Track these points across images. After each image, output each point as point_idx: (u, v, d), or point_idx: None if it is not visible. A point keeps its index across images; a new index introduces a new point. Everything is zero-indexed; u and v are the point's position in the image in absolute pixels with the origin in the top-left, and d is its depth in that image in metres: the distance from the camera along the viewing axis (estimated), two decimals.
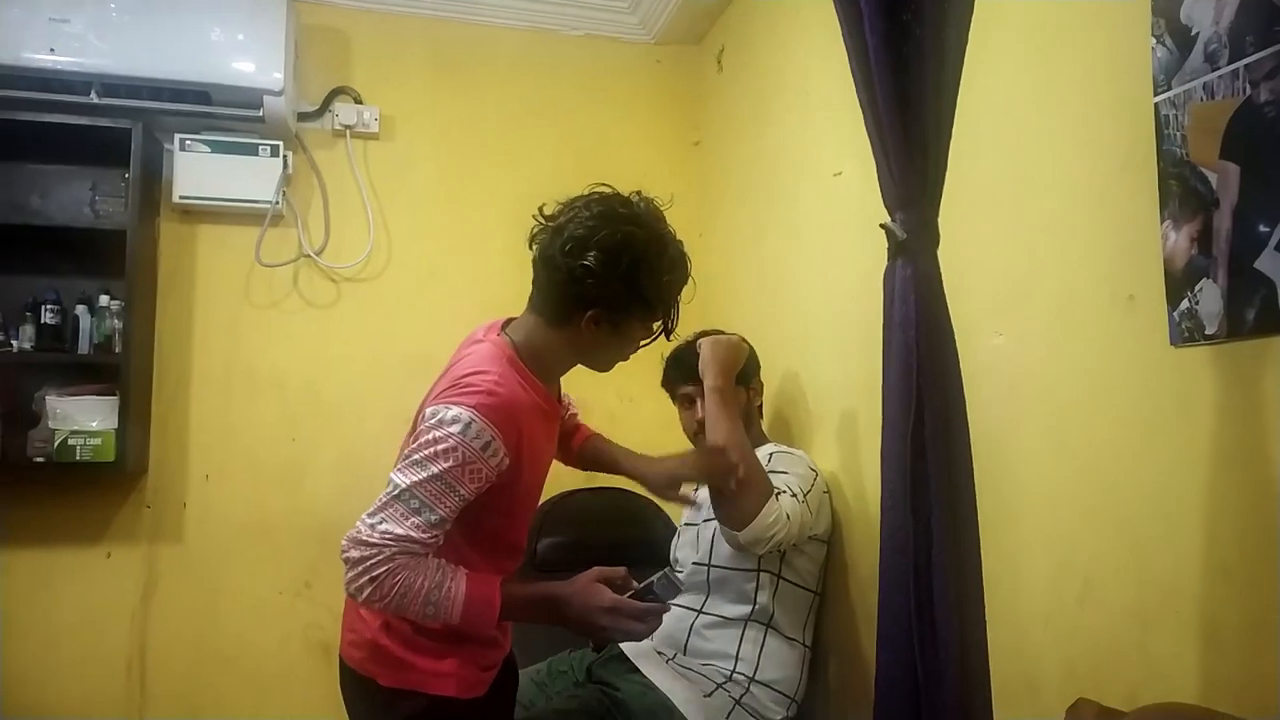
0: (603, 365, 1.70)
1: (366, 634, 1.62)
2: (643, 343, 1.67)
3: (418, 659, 1.57)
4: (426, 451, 1.45)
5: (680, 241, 1.62)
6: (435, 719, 1.57)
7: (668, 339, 1.67)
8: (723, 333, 2.29)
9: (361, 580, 1.42)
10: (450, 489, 1.45)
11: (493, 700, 1.65)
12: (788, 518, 1.89)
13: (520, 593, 1.56)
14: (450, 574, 1.47)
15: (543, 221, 1.59)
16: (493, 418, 1.47)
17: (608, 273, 1.51)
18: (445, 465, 1.44)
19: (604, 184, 1.61)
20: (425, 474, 1.44)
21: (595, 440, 1.98)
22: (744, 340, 2.18)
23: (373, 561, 1.41)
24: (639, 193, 1.61)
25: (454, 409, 1.46)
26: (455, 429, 1.45)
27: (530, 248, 1.61)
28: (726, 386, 2.03)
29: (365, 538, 1.42)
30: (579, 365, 1.69)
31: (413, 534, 1.43)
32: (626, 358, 1.70)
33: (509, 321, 1.66)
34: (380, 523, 1.43)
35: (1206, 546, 1.23)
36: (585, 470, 2.00)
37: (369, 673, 1.61)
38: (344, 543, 1.45)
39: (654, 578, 1.57)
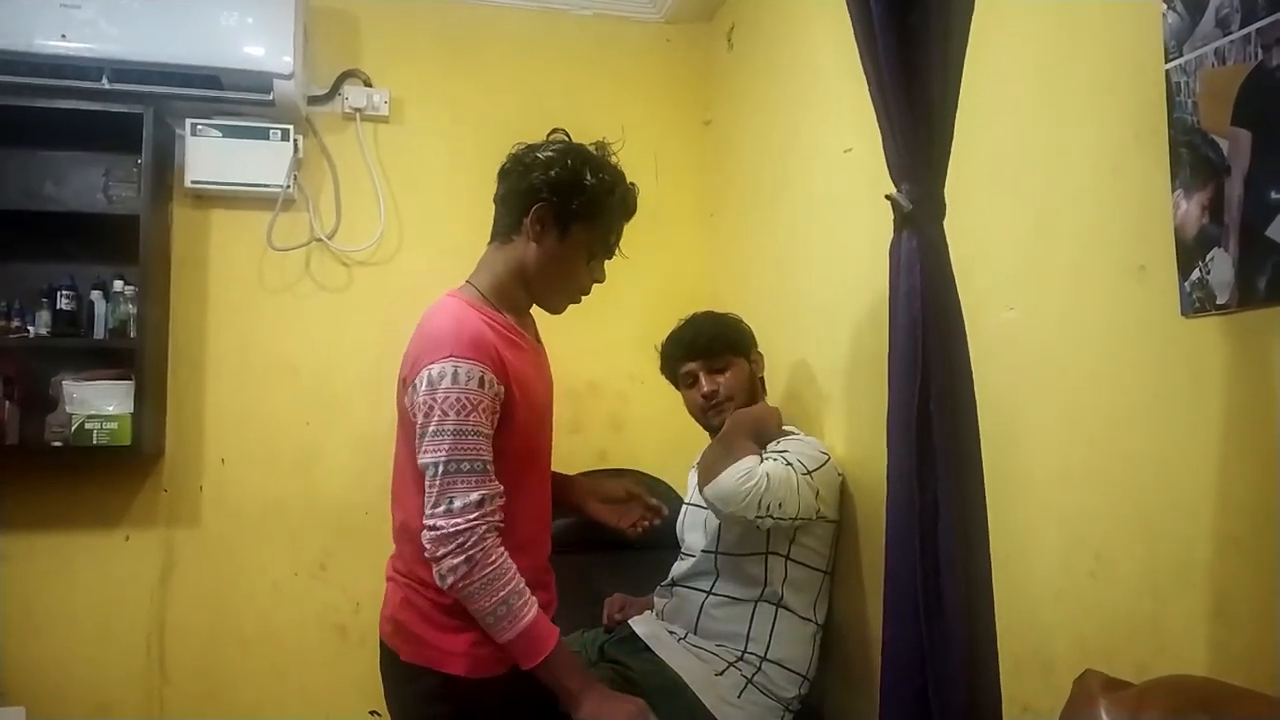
0: (551, 292, 1.74)
1: (390, 607, 1.68)
2: (589, 269, 1.73)
3: (431, 635, 1.61)
4: (436, 418, 1.51)
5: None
6: (447, 696, 1.59)
7: (609, 255, 1.75)
8: (715, 312, 2.34)
9: (458, 560, 1.49)
10: (475, 433, 1.52)
11: (513, 680, 1.62)
12: (767, 477, 1.87)
13: (572, 654, 1.66)
14: (530, 594, 1.55)
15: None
16: (471, 354, 1.53)
17: (556, 161, 1.65)
18: (458, 417, 1.50)
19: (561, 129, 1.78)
20: (449, 437, 1.50)
21: None
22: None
23: (469, 541, 1.49)
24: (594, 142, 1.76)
25: (435, 367, 1.52)
26: (446, 382, 1.51)
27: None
28: (740, 435, 2.03)
29: (449, 528, 1.49)
30: (544, 311, 1.79)
31: (484, 491, 1.51)
32: (576, 295, 1.76)
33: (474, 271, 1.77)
34: (450, 504, 1.50)
35: (1218, 518, 1.22)
36: None
37: (393, 646, 1.66)
38: (428, 547, 1.51)
39: None
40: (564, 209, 1.65)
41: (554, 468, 1.88)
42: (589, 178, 1.66)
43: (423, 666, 1.61)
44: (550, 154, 1.68)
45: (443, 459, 1.50)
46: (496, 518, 1.54)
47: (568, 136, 1.75)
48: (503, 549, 1.53)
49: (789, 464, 1.94)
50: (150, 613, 2.77)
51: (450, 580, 1.50)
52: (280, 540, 2.87)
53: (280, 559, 2.86)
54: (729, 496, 1.87)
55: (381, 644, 1.70)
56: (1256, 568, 1.16)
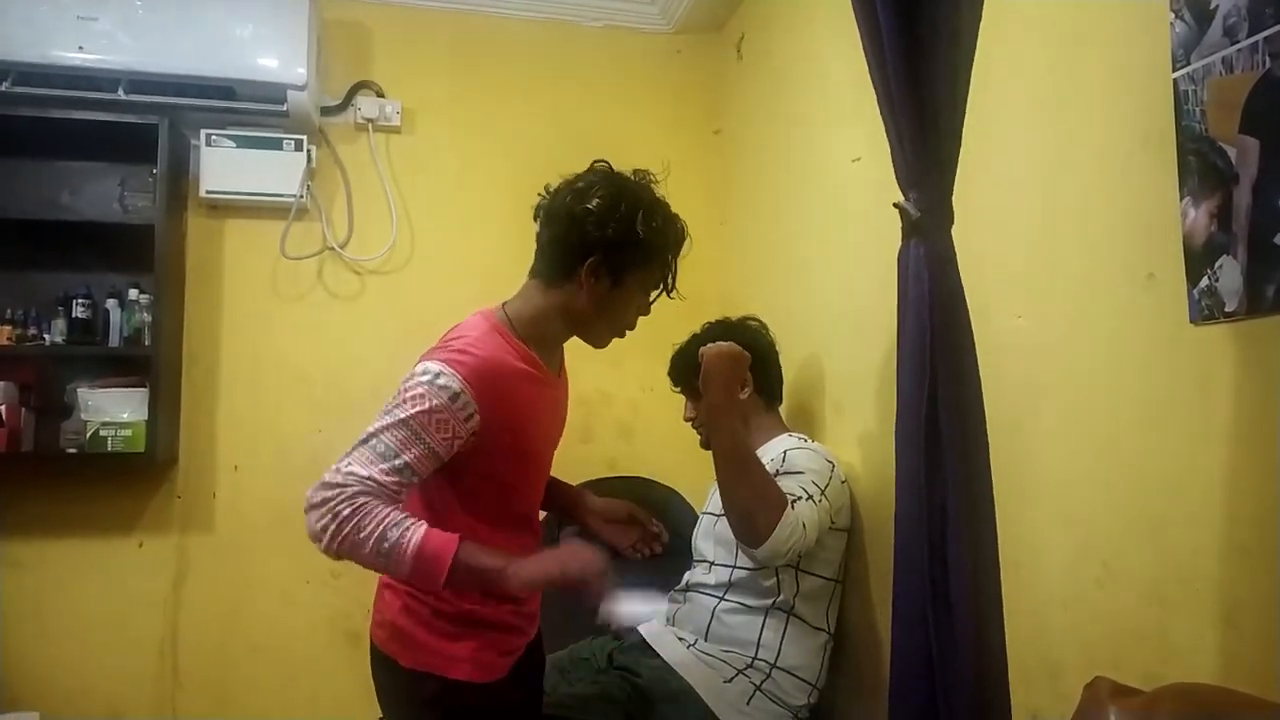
0: (598, 331, 1.71)
1: (388, 614, 1.66)
2: (638, 306, 1.70)
3: (434, 641, 1.61)
4: (396, 401, 1.49)
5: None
6: (451, 702, 1.60)
7: (668, 295, 1.71)
8: (729, 320, 2.31)
9: (325, 518, 1.39)
10: (416, 436, 1.46)
11: (513, 684, 1.67)
12: (804, 527, 1.86)
13: (476, 545, 1.49)
14: (411, 525, 1.43)
15: (547, 195, 1.69)
16: (464, 373, 1.50)
17: (609, 214, 1.59)
18: (411, 411, 1.47)
19: (603, 160, 1.71)
20: (392, 420, 1.47)
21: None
22: (744, 348, 2.05)
23: (337, 500, 1.40)
24: (635, 170, 1.70)
25: (427, 364, 1.52)
26: (425, 378, 1.49)
27: (535, 219, 1.68)
28: (728, 401, 1.97)
29: (329, 479, 1.42)
30: (578, 339, 1.73)
31: (375, 475, 1.42)
32: (621, 331, 1.72)
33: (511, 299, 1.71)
34: (346, 465, 1.44)
35: (1226, 526, 1.22)
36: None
37: (390, 652, 1.65)
38: (308, 492, 1.43)
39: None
40: (618, 261, 1.61)
41: (565, 476, 1.89)
42: (641, 228, 1.60)
43: (425, 672, 1.61)
44: (600, 202, 1.60)
45: (373, 430, 1.46)
46: (375, 491, 1.43)
47: (610, 169, 1.68)
48: (370, 508, 1.41)
49: (809, 496, 1.93)
50: (163, 619, 2.78)
51: (324, 542, 1.40)
52: (292, 547, 2.85)
53: (292, 566, 2.87)
54: (776, 554, 1.85)
55: (376, 651, 1.69)
56: (1263, 576, 1.16)
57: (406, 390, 1.49)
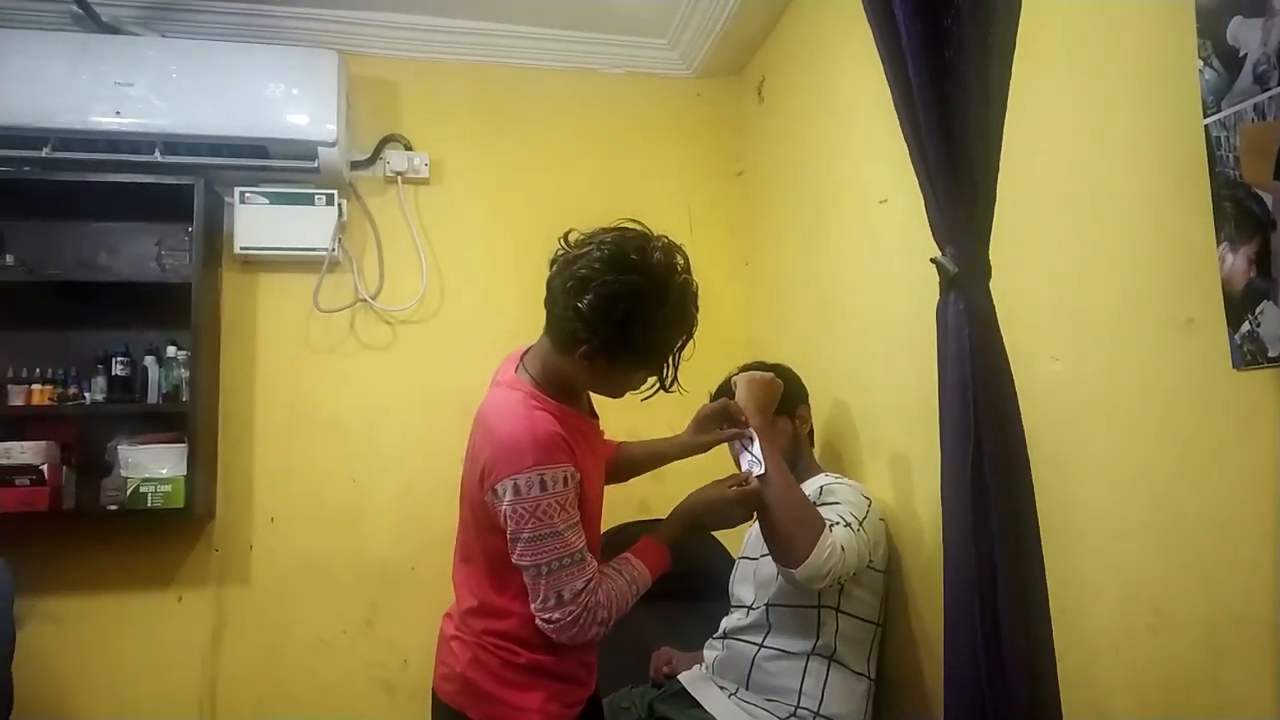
0: (610, 394, 1.74)
1: (457, 667, 1.68)
2: (645, 387, 1.70)
3: (505, 693, 1.63)
4: (530, 526, 1.54)
5: (693, 293, 1.62)
6: None
7: (666, 391, 1.69)
8: (764, 364, 2.30)
9: (593, 631, 1.59)
10: (568, 528, 1.57)
11: None
12: (842, 549, 1.85)
13: (665, 528, 1.80)
14: (634, 569, 1.67)
15: (564, 248, 1.63)
16: (553, 458, 1.55)
17: (599, 319, 1.55)
18: (552, 520, 1.55)
19: (633, 220, 1.62)
20: (549, 540, 1.55)
21: (624, 447, 2.06)
22: (776, 377, 2.12)
23: (588, 619, 1.57)
24: (665, 237, 1.62)
25: (521, 477, 1.54)
26: (535, 490, 1.53)
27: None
28: (764, 425, 2.01)
29: (565, 618, 1.56)
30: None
31: (587, 576, 1.58)
32: (636, 387, 1.72)
33: (529, 350, 1.72)
34: (559, 597, 1.56)
35: (1277, 571, 1.21)
36: (626, 479, 2.04)
37: (459, 706, 1.67)
38: (553, 638, 1.59)
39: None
40: (611, 356, 1.59)
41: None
42: (637, 334, 1.55)
43: None
44: (593, 300, 1.52)
45: (544, 561, 1.55)
46: (594, 583, 1.60)
47: (618, 249, 1.55)
48: (601, 589, 1.60)
49: (848, 524, 1.92)
50: (203, 672, 2.80)
51: (600, 637, 1.61)
52: (328, 597, 2.89)
53: (328, 616, 2.89)
54: (816, 575, 1.83)
55: (442, 705, 1.70)
56: None
57: (530, 512, 1.54)
